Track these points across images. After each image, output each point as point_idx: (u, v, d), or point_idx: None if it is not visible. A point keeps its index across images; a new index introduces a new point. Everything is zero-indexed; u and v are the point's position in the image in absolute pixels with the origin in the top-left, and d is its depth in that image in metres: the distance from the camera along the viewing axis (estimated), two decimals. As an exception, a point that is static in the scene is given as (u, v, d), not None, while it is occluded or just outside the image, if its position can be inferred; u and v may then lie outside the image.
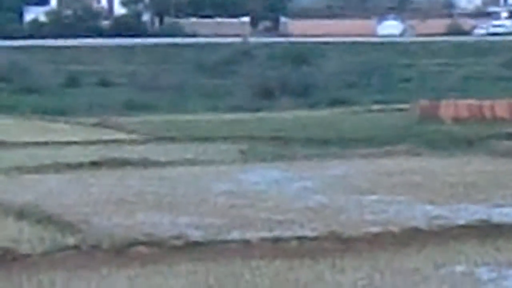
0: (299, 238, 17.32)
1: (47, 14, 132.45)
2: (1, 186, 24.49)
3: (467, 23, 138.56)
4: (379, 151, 31.99)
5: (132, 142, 36.25)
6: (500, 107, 42.26)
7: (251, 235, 17.54)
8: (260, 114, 47.70)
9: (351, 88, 61.37)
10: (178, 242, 16.86)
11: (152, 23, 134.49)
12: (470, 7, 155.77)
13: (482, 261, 15.90)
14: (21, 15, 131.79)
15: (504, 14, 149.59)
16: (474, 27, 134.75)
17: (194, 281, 14.66)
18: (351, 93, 58.68)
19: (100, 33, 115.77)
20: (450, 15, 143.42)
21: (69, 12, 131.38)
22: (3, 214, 20.63)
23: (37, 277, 15.01)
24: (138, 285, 14.41)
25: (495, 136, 33.86)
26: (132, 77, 71.56)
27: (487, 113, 41.40)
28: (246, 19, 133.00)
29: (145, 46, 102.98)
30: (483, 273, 15.20)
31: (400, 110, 46.46)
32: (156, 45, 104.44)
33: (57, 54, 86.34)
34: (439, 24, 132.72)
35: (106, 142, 35.43)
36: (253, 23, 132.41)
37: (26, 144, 35.08)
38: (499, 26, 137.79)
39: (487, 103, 43.57)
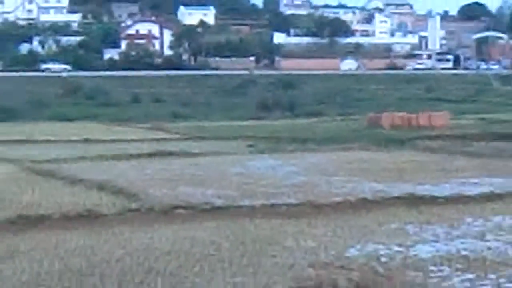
0: (287, 204, 17.46)
1: (119, 54, 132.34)
2: (88, 168, 24.68)
3: (400, 61, 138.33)
4: (340, 146, 32.15)
5: (175, 140, 36.74)
6: (422, 118, 42.59)
7: (255, 202, 17.73)
8: (261, 122, 48.12)
9: (322, 104, 61.75)
10: (206, 207, 16.98)
11: (189, 60, 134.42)
12: (402, 51, 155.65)
13: (409, 220, 15.94)
14: (102, 54, 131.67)
15: (425, 56, 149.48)
16: (405, 64, 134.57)
17: (217, 233, 14.68)
18: (322, 108, 59.12)
19: (155, 67, 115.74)
20: (388, 56, 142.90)
21: (133, 53, 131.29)
22: (89, 187, 20.71)
23: (111, 230, 15.09)
24: (179, 235, 14.43)
25: (419, 137, 34.00)
26: (175, 96, 71.96)
27: (414, 122, 41.77)
28: (252, 58, 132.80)
29: (184, 76, 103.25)
30: (410, 228, 15.22)
31: (355, 119, 46.85)
32: (191, 75, 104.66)
33: (125, 81, 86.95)
34: (381, 62, 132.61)
35: (157, 140, 35.75)
36: (257, 61, 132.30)
37: (105, 141, 35.59)
38: (421, 64, 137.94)
39: (413, 115, 43.92)
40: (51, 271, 11.78)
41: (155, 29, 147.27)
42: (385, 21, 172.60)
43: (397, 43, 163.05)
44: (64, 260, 12.46)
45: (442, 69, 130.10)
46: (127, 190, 19.79)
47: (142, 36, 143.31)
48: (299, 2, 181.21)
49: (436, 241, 13.96)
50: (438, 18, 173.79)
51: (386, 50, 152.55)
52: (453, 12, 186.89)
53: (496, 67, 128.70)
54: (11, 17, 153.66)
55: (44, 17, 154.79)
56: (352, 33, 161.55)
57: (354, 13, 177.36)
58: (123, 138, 37.17)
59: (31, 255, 12.88)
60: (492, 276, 11.47)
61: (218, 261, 12.38)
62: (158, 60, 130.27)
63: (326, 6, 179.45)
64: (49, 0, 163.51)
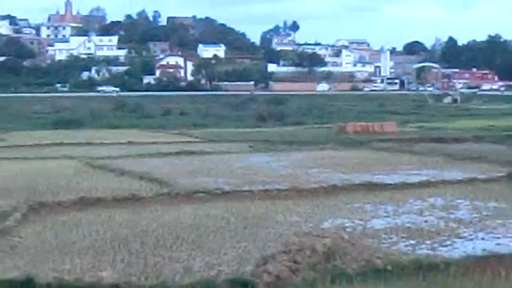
0: (277, 189, 17.36)
1: (154, 79, 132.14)
2: (131, 163, 24.58)
3: (360, 84, 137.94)
4: (316, 147, 31.86)
5: (195, 142, 36.36)
6: (376, 126, 42.23)
7: (254, 188, 17.63)
8: (258, 129, 47.86)
9: (303, 116, 61.44)
10: (217, 191, 16.93)
11: (206, 84, 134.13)
12: (362, 77, 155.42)
13: (367, 201, 15.90)
14: (141, 80, 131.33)
15: (378, 80, 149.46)
16: (364, 86, 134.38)
17: (226, 210, 14.69)
18: (303, 119, 58.78)
19: (180, 89, 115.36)
20: (352, 81, 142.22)
21: (164, 78, 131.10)
22: (132, 177, 20.69)
23: (148, 208, 15.11)
24: (198, 212, 14.46)
25: (374, 140, 33.74)
26: (195, 110, 71.81)
27: (370, 129, 41.32)
28: (252, 82, 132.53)
29: (202, 96, 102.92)
30: (368, 207, 15.19)
31: (327, 127, 46.40)
32: (207, 95, 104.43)
33: (159, 99, 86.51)
34: (346, 85, 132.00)
35: (182, 142, 35.39)
36: (255, 84, 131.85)
37: (143, 143, 35.22)
38: (376, 86, 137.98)
39: (370, 124, 43.51)
40: (105, 238, 11.89)
41: (180, 61, 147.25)
42: (349, 55, 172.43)
43: (358, 71, 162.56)
44: (114, 230, 12.59)
45: (391, 90, 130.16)
46: (160, 179, 19.77)
47: (171, 66, 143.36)
48: (286, 41, 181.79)
49: (387, 216, 14.01)
50: (388, 53, 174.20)
51: (350, 76, 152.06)
52: (400, 48, 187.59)
53: (430, 88, 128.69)
54: (75, 52, 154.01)
55: (99, 52, 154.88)
56: (325, 63, 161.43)
57: (326, 49, 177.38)
58: (156, 141, 36.88)
59: (90, 226, 12.97)
60: (428, 242, 11.50)
61: (227, 231, 12.46)
62: (183, 84, 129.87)
63: (305, 44, 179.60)
64: (103, 40, 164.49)
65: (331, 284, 8.62)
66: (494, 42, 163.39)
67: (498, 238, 11.82)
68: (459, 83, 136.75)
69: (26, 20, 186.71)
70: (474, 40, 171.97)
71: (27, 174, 21.64)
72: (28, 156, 28.00)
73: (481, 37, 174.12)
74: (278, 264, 9.01)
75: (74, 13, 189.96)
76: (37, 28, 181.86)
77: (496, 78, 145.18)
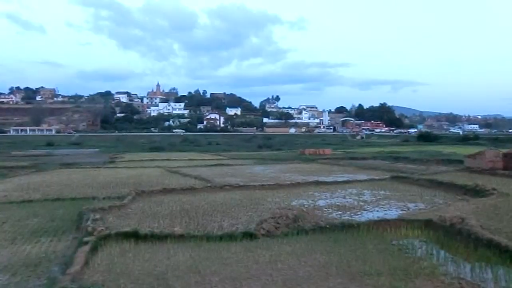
0: (268, 184, 17.07)
1: (203, 126, 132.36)
2: (190, 170, 24.25)
3: (312, 129, 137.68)
4: (288, 161, 31.52)
5: (225, 159, 35.75)
6: (320, 151, 41.63)
7: (256, 183, 17.30)
8: (258, 152, 47.32)
9: (282, 145, 60.56)
10: (236, 185, 16.66)
11: (230, 128, 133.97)
12: (313, 124, 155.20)
13: (316, 190, 15.67)
14: (196, 126, 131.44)
15: (322, 127, 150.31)
16: (314, 130, 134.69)
17: (241, 195, 14.49)
18: (282, 147, 57.99)
19: (217, 131, 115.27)
20: (308, 127, 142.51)
21: (208, 125, 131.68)
22: (190, 177, 20.30)
23: (199, 194, 14.93)
24: (226, 196, 14.26)
25: (319, 158, 33.51)
26: (225, 142, 71.34)
27: (318, 152, 40.76)
28: (254, 128, 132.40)
29: (228, 134, 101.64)
30: (316, 194, 14.92)
31: (295, 151, 45.97)
32: (231, 134, 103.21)
33: (205, 136, 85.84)
34: (304, 129, 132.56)
35: (217, 159, 35.06)
36: (256, 128, 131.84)
37: (197, 159, 34.52)
38: (320, 130, 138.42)
39: (317, 149, 42.88)
40: (176, 210, 11.78)
41: (217, 116, 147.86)
42: (306, 114, 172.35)
43: (311, 122, 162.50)
44: (181, 205, 12.45)
45: (328, 132, 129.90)
46: (206, 178, 19.58)
47: (212, 119, 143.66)
48: (273, 106, 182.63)
49: (326, 199, 13.90)
50: (326, 112, 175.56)
51: (306, 125, 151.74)
52: (333, 109, 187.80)
53: (348, 130, 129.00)
54: (161, 111, 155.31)
55: (174, 111, 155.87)
56: (293, 118, 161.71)
57: (294, 110, 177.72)
58: (204, 158, 36.47)
59: (168, 203, 12.84)
60: (348, 212, 11.37)
61: (241, 206, 12.33)
62: (218, 128, 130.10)
63: (283, 107, 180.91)
64: (176, 105, 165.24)
65: (296, 235, 8.60)
66: (383, 107, 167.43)
67: (385, 210, 11.76)
68: (364, 128, 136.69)
69: (136, 94, 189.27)
70: (372, 106, 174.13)
71: (135, 175, 21.60)
72: (135, 166, 28.00)
73: (376, 104, 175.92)
74: (269, 224, 8.99)
75: (161, 90, 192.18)
76: (141, 98, 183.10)
77: (384, 126, 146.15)
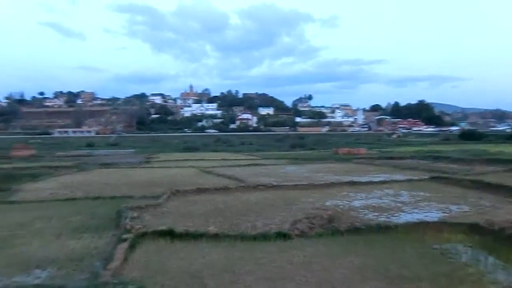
0: (301, 184, 16.96)
1: (236, 126, 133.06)
2: (224, 170, 24.35)
3: (346, 128, 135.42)
4: (322, 161, 31.16)
5: (258, 159, 35.50)
6: (355, 150, 40.35)
7: (289, 183, 17.22)
8: (291, 152, 46.78)
9: (315, 145, 59.57)
10: (269, 185, 16.64)
11: (263, 128, 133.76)
12: (347, 123, 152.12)
13: (351, 191, 15.38)
14: (229, 126, 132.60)
15: (356, 125, 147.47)
16: (348, 129, 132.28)
17: (274, 195, 14.44)
18: (315, 146, 56.98)
19: (250, 131, 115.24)
20: (341, 126, 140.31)
21: (241, 125, 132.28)
22: (224, 177, 20.42)
23: (233, 194, 14.90)
24: (260, 196, 14.27)
25: (354, 158, 32.73)
26: (258, 142, 71.23)
27: (352, 152, 39.39)
28: (287, 127, 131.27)
29: (261, 134, 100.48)
30: (351, 194, 14.64)
31: (328, 150, 45.13)
32: (264, 134, 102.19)
33: (238, 136, 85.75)
34: (338, 129, 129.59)
35: (251, 159, 34.90)
36: (289, 128, 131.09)
37: (229, 159, 34.55)
38: (355, 129, 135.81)
39: (352, 149, 41.69)
40: (210, 209, 11.95)
41: (249, 116, 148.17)
42: (340, 112, 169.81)
43: (345, 121, 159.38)
44: (215, 205, 12.59)
45: (363, 131, 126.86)
46: (239, 178, 19.69)
47: (244, 119, 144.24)
48: (305, 105, 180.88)
49: (362, 199, 13.59)
50: (361, 111, 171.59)
51: (339, 124, 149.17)
52: (367, 108, 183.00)
53: (385, 130, 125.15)
54: (194, 111, 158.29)
55: (207, 112, 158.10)
56: (326, 117, 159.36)
57: (326, 109, 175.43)
58: (237, 158, 36.30)
59: (202, 203, 13.04)
60: (385, 214, 11.03)
61: (274, 206, 12.30)
62: (251, 128, 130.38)
63: (316, 106, 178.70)
64: (209, 105, 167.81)
65: (331, 236, 8.46)
66: (421, 104, 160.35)
67: (425, 212, 11.31)
68: (401, 126, 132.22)
69: (169, 95, 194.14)
70: (409, 103, 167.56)
71: (170, 175, 22.05)
72: (170, 166, 28.50)
73: (413, 101, 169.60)
74: (303, 224, 8.91)
75: (193, 91, 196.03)
76: (175, 100, 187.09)
77: (423, 124, 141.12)
